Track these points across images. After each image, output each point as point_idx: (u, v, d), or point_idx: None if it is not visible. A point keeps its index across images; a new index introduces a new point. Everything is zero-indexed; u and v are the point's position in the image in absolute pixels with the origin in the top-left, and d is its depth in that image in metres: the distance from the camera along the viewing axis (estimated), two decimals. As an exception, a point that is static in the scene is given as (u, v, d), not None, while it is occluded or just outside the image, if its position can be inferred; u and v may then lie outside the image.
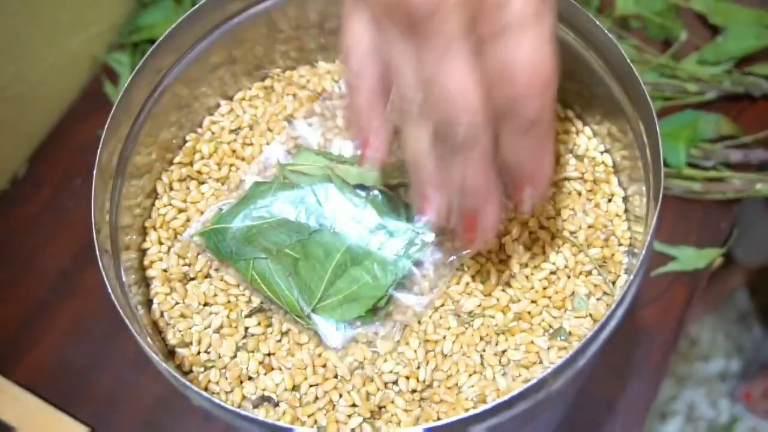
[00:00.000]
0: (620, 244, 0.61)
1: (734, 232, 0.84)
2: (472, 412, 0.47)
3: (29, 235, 0.89)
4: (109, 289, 0.51)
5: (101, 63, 0.97)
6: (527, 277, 0.60)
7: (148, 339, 0.53)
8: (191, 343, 0.59)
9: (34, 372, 0.82)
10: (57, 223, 0.89)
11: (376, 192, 0.61)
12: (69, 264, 0.86)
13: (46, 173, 0.93)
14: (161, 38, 0.60)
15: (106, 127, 0.57)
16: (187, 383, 0.49)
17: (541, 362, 0.57)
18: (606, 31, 0.57)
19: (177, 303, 0.61)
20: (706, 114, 0.87)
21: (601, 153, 0.65)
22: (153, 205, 0.65)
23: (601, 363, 0.79)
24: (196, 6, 0.61)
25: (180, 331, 0.59)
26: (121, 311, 0.51)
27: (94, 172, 0.55)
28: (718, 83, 0.88)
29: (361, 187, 0.61)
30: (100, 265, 0.52)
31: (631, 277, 0.51)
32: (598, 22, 0.57)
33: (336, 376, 0.57)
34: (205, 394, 0.48)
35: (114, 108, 0.57)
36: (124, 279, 0.57)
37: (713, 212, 0.85)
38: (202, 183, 0.66)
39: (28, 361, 0.82)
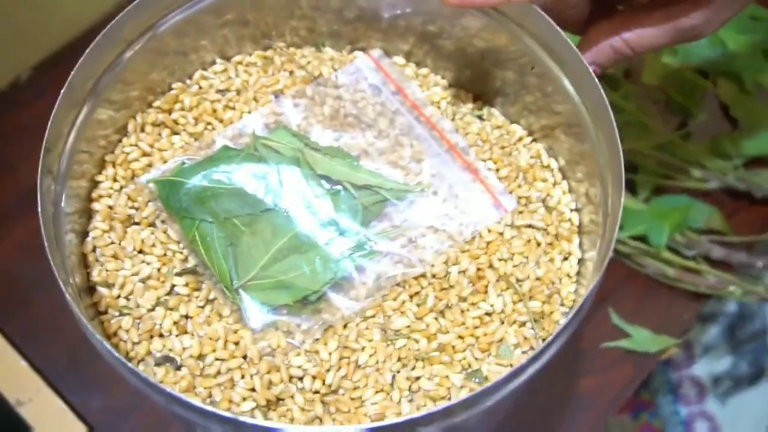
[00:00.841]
0: (562, 304, 0.60)
1: (694, 327, 0.82)
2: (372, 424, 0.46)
3: (14, 142, 0.89)
4: (39, 208, 0.50)
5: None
6: (462, 311, 0.59)
7: (64, 271, 0.52)
8: (114, 285, 0.58)
9: (-22, 276, 0.82)
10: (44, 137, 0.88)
11: (339, 187, 0.61)
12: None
13: (49, 84, 0.92)
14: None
15: (90, 46, 0.56)
16: (89, 326, 0.48)
17: (449, 399, 0.56)
18: (604, 95, 0.56)
19: (112, 242, 0.60)
20: (701, 204, 0.85)
21: (571, 210, 0.64)
22: (120, 141, 0.64)
23: (528, 416, 0.77)
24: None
25: (107, 270, 0.59)
26: (43, 232, 0.50)
27: (63, 90, 0.54)
28: (723, 175, 0.86)
29: (327, 179, 0.60)
30: (38, 182, 0.51)
31: (558, 330, 0.49)
32: (597, 82, 0.56)
33: (245, 357, 0.56)
34: (106, 344, 0.47)
35: (106, 29, 0.56)
36: (63, 204, 0.56)
37: (680, 302, 0.84)
38: (175, 133, 0.65)
39: (-24, 265, 0.82)
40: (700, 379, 1.28)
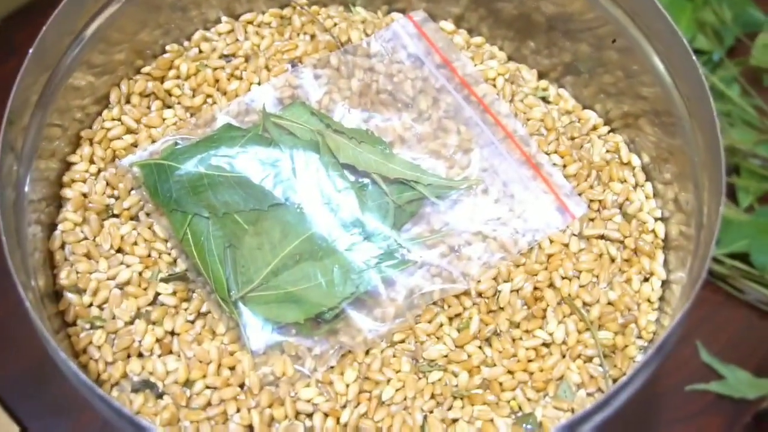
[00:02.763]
0: (639, 337, 0.59)
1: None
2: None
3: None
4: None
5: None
6: (514, 340, 0.58)
7: (24, 272, 0.52)
8: (85, 291, 0.58)
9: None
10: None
11: (366, 180, 0.60)
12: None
13: (20, 42, 0.92)
14: None
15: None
16: (52, 341, 0.47)
17: (494, 449, 0.55)
18: (703, 77, 0.55)
19: (85, 238, 0.60)
20: (819, 216, 0.83)
21: (656, 219, 0.63)
22: (100, 114, 0.64)
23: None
24: None
25: (78, 272, 0.59)
26: (1, 223, 0.50)
27: (32, 48, 0.54)
28: None
29: (351, 169, 0.60)
30: (-5, 162, 0.51)
31: (634, 371, 0.48)
32: (696, 60, 0.55)
33: (242, 386, 0.56)
34: (71, 363, 0.47)
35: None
36: (27, 188, 0.56)
37: (788, 337, 0.82)
38: (168, 107, 0.65)
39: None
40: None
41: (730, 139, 0.85)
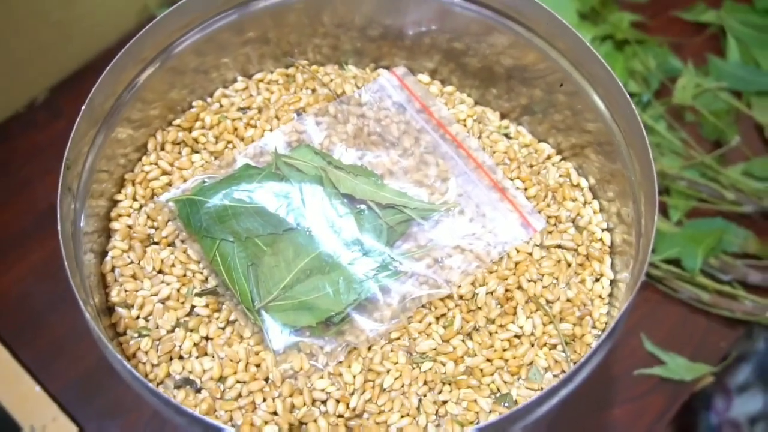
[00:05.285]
0: (594, 327, 0.60)
1: (732, 355, 0.81)
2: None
3: (31, 163, 0.90)
4: (59, 225, 0.51)
5: (151, 14, 0.98)
6: (491, 333, 0.59)
7: (83, 291, 0.53)
8: (133, 306, 0.59)
9: (-5, 299, 0.82)
10: (61, 157, 0.89)
11: (363, 206, 0.61)
12: (58, 201, 0.87)
13: (66, 105, 0.93)
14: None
15: (110, 65, 0.57)
16: (110, 347, 0.48)
17: (477, 423, 0.56)
18: (636, 114, 0.56)
19: (131, 262, 0.60)
20: (736, 227, 0.85)
21: (603, 230, 0.64)
22: (140, 160, 0.65)
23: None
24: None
25: (126, 290, 0.59)
26: (63, 252, 0.50)
27: (83, 107, 0.55)
28: (759, 199, 0.86)
29: (350, 198, 0.61)
30: (57, 201, 0.52)
31: (590, 353, 0.49)
32: (629, 98, 0.56)
33: (266, 379, 0.56)
34: (127, 364, 0.48)
35: (125, 48, 0.57)
36: (82, 223, 0.57)
37: (716, 328, 0.83)
38: (196, 152, 0.66)
39: (-7, 288, 0.83)
40: (737, 421, 1.27)
41: (660, 165, 0.86)
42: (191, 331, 0.58)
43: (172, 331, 0.58)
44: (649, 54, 0.93)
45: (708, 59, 0.94)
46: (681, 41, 0.97)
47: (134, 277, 0.60)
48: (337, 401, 0.56)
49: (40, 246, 0.84)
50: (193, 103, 0.68)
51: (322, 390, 0.56)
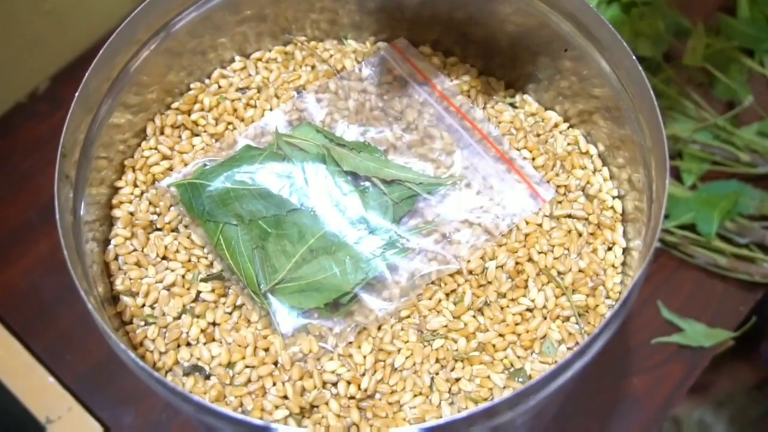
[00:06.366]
0: (608, 297, 0.59)
1: (753, 320, 0.80)
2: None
3: (33, 154, 0.89)
4: (57, 215, 0.50)
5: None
6: (502, 308, 0.58)
7: (86, 281, 0.52)
8: (138, 294, 0.58)
9: (2, 292, 0.82)
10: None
11: (367, 183, 0.60)
12: (62, 191, 0.86)
13: (66, 95, 0.92)
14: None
15: (103, 48, 0.56)
16: (113, 337, 0.47)
17: (492, 399, 0.55)
18: (642, 73, 0.54)
19: (135, 249, 0.60)
20: (752, 189, 0.83)
21: (614, 198, 0.63)
22: (139, 145, 0.64)
23: (577, 418, 0.76)
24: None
25: (130, 278, 0.58)
26: (63, 242, 0.50)
27: (77, 93, 0.54)
28: (774, 159, 0.84)
29: (354, 175, 0.60)
30: (55, 188, 0.51)
31: (603, 324, 0.48)
32: (636, 61, 0.55)
33: (275, 363, 0.56)
34: (131, 353, 0.47)
35: (118, 30, 0.56)
36: (83, 212, 0.56)
37: (734, 292, 0.81)
38: (195, 135, 0.65)
39: (1, 280, 0.82)
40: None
41: (672, 129, 0.84)
42: (198, 317, 0.57)
43: (179, 317, 0.57)
44: (657, 15, 0.91)
45: (718, 18, 0.92)
46: (689, 1, 0.95)
47: (138, 264, 0.59)
48: (348, 383, 0.55)
49: (46, 237, 0.84)
50: (191, 85, 0.67)
51: (333, 372, 0.55)
